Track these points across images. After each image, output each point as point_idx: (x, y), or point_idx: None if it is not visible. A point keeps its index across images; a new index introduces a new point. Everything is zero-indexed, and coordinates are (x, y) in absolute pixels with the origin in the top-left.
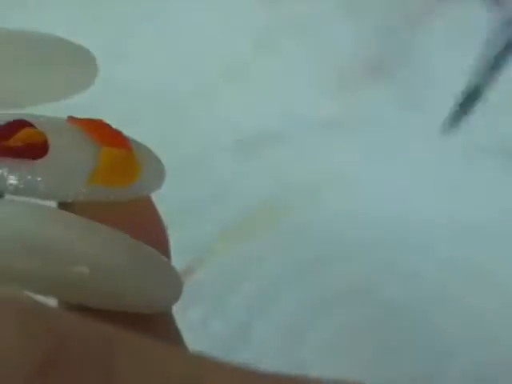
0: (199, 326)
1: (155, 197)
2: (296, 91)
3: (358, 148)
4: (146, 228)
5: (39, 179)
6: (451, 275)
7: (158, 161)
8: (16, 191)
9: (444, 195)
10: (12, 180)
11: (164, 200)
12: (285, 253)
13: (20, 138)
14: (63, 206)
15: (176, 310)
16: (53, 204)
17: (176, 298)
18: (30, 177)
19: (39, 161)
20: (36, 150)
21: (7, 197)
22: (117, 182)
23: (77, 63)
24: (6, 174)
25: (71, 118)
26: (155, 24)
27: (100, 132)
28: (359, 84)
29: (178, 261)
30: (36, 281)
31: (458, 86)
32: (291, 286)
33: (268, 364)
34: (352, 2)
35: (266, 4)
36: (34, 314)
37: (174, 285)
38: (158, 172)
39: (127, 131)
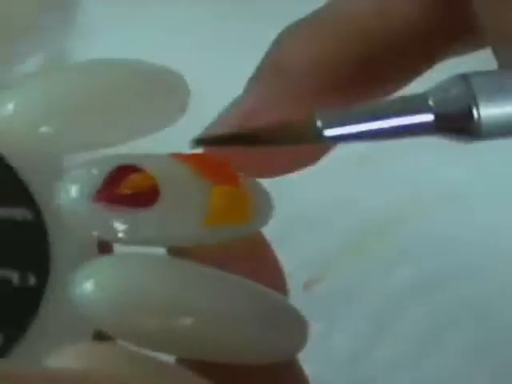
0: (322, 340)
1: (280, 206)
2: None
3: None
4: (263, 266)
5: (151, 226)
6: None
7: (265, 192)
8: (128, 241)
9: None
10: (123, 230)
11: (285, 212)
12: (410, 266)
13: (129, 185)
14: (173, 251)
15: None
16: (161, 249)
17: (303, 345)
18: (141, 225)
19: (152, 207)
20: (147, 197)
21: (117, 247)
22: (231, 221)
23: (170, 90)
24: (117, 224)
25: (175, 155)
26: None
27: (208, 168)
28: None
29: (299, 274)
30: (153, 336)
31: None
32: (417, 300)
33: (392, 380)
34: None
35: None
36: None
37: (300, 331)
38: (267, 205)
39: None
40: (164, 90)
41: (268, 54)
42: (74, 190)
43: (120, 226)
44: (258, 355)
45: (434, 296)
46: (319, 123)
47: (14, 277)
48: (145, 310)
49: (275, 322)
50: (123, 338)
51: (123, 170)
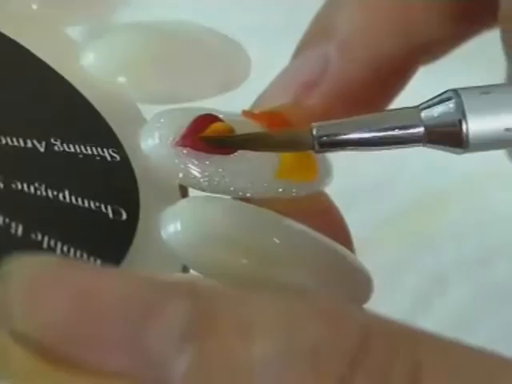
0: None
1: None
2: None
3: None
4: (329, 222)
5: (230, 175)
6: None
7: (325, 156)
8: (207, 187)
9: None
10: (204, 176)
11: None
12: (453, 243)
13: (212, 132)
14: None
15: None
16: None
17: (367, 299)
18: (222, 173)
19: (229, 156)
20: None
21: (192, 193)
22: (301, 177)
23: (232, 58)
24: (198, 170)
25: (247, 113)
26: None
27: (278, 126)
28: None
29: None
30: (230, 272)
31: None
32: (459, 278)
33: None
34: None
35: None
36: (337, 308)
37: (364, 284)
38: (328, 166)
39: None
40: (229, 57)
41: (317, 20)
42: (158, 136)
43: (201, 173)
44: None
45: (475, 275)
46: (315, 131)
47: (109, 210)
48: (226, 250)
49: (339, 272)
50: (201, 272)
51: (206, 119)
